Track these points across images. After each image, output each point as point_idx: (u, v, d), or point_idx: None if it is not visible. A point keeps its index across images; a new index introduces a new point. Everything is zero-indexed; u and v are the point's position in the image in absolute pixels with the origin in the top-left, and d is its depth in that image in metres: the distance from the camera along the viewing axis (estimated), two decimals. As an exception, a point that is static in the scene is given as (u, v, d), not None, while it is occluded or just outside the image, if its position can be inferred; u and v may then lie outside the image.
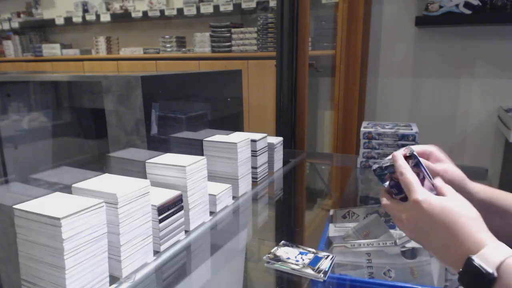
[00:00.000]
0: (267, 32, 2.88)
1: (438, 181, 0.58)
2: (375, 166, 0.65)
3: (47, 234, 0.56)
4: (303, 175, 1.50)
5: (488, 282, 0.44)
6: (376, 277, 0.68)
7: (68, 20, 3.98)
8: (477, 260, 0.46)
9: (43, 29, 4.45)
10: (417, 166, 0.59)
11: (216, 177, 1.07)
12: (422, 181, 0.58)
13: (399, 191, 0.61)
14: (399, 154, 0.61)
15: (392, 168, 0.62)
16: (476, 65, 2.26)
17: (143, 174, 0.90)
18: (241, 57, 2.95)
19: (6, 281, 0.73)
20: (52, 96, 1.20)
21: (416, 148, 0.64)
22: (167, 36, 3.45)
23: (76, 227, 0.57)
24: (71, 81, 1.19)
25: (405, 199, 0.59)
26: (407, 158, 0.61)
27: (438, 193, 0.56)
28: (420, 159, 0.60)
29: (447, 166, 0.63)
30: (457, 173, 0.62)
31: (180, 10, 3.35)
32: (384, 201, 0.62)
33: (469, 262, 0.46)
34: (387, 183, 0.64)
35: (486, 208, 0.60)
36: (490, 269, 0.44)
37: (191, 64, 3.20)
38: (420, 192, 0.54)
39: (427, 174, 0.59)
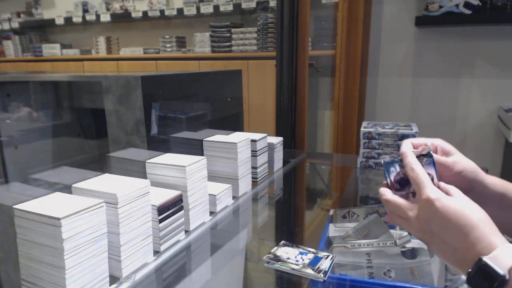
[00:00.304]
0: (267, 32, 2.88)
1: (443, 184, 0.56)
2: (387, 158, 0.63)
3: (47, 234, 0.56)
4: (303, 175, 1.50)
5: (499, 284, 0.43)
6: (376, 277, 0.68)
7: (68, 20, 3.98)
8: (488, 261, 0.44)
9: (43, 29, 4.45)
10: (428, 166, 0.58)
11: (216, 177, 1.07)
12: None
13: (401, 187, 0.60)
14: (409, 150, 0.59)
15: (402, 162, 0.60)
16: (476, 65, 2.26)
17: (143, 174, 0.90)
18: (241, 57, 2.96)
19: (6, 281, 0.73)
20: (52, 96, 1.20)
21: (421, 141, 0.63)
22: (167, 36, 3.45)
23: (76, 227, 0.57)
24: (71, 81, 1.19)
25: (405, 196, 0.58)
26: (420, 156, 0.59)
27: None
28: (434, 155, 0.59)
29: (457, 158, 0.61)
30: (468, 164, 0.60)
31: (180, 10, 3.35)
32: (387, 195, 0.59)
33: (479, 264, 0.45)
34: (392, 177, 0.62)
35: (499, 200, 0.59)
36: (502, 271, 0.43)
37: (191, 64, 3.20)
38: (433, 190, 0.53)
39: (436, 176, 0.58)
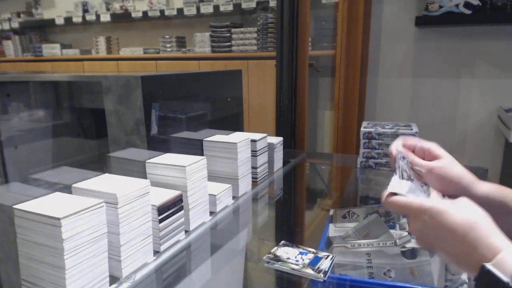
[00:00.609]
0: (267, 32, 2.88)
1: (434, 195, 0.56)
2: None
3: (47, 234, 0.56)
4: (303, 175, 1.50)
5: None
6: (376, 277, 0.68)
7: (68, 20, 3.98)
8: (491, 268, 0.43)
9: (43, 29, 4.45)
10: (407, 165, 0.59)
11: (216, 177, 1.07)
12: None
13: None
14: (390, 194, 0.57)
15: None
16: (476, 65, 2.26)
17: (143, 174, 0.90)
18: (241, 57, 2.95)
19: (6, 281, 0.73)
20: (52, 96, 1.20)
21: (413, 142, 0.64)
22: (167, 36, 3.45)
23: (76, 227, 0.57)
24: (71, 81, 1.19)
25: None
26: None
27: None
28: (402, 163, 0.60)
29: (444, 163, 0.61)
30: (454, 171, 0.59)
31: (180, 10, 3.35)
32: (390, 198, 0.56)
33: (483, 270, 0.43)
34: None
35: (496, 209, 0.57)
36: (506, 278, 0.41)
37: (191, 64, 3.20)
38: (419, 205, 0.51)
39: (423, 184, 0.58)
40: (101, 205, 0.61)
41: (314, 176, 1.54)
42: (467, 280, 0.67)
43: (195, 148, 1.07)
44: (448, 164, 0.61)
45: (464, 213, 0.49)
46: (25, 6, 4.47)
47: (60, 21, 4.01)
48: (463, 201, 0.52)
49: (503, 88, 2.21)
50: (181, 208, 0.81)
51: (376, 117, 2.53)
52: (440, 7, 2.11)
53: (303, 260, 0.72)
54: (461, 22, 2.15)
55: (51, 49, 4.14)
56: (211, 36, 3.14)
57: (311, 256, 0.73)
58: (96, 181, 0.72)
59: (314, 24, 2.65)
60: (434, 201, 0.53)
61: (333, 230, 0.82)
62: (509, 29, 2.14)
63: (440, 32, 2.30)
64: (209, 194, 0.93)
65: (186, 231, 0.85)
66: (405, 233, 0.73)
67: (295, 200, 1.26)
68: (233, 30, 3.05)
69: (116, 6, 3.79)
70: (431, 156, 0.63)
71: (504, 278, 0.42)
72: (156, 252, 0.76)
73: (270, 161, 1.27)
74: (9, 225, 0.62)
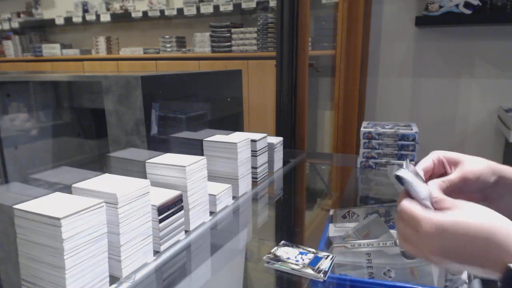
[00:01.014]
0: (267, 32, 2.88)
1: (435, 192, 0.50)
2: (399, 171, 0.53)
3: (47, 234, 0.56)
4: (303, 175, 1.50)
5: None
6: (376, 277, 0.68)
7: (68, 20, 3.98)
8: None
9: (43, 29, 4.45)
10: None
11: (216, 177, 1.07)
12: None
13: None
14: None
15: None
16: (476, 65, 2.26)
17: (143, 174, 0.90)
18: (241, 57, 2.96)
19: (6, 281, 0.73)
20: (52, 96, 1.20)
21: (428, 163, 0.57)
22: (167, 36, 3.45)
23: (76, 227, 0.57)
24: (71, 81, 1.19)
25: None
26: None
27: (441, 207, 0.49)
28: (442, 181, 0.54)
29: (466, 167, 0.55)
30: (479, 167, 0.55)
31: (180, 10, 3.35)
32: (404, 202, 0.51)
33: (508, 271, 0.41)
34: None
35: None
36: None
37: (191, 64, 3.20)
38: (427, 220, 0.47)
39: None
40: (101, 205, 0.61)
41: (314, 176, 1.54)
42: (467, 280, 0.67)
43: (195, 148, 1.07)
44: (472, 163, 0.56)
45: (475, 218, 0.46)
46: (25, 6, 4.47)
47: (60, 21, 4.02)
48: (465, 204, 0.48)
49: (503, 88, 2.21)
50: (181, 208, 0.81)
51: (376, 117, 2.53)
52: (440, 7, 2.11)
53: (303, 260, 0.72)
54: (461, 22, 2.15)
55: (51, 49, 4.14)
56: (211, 36, 3.14)
57: (311, 256, 0.73)
58: (96, 181, 0.72)
59: (314, 24, 2.65)
60: (441, 215, 0.48)
61: (333, 230, 0.82)
62: (509, 29, 2.14)
63: (440, 32, 2.30)
64: (209, 194, 0.93)
65: (186, 231, 0.85)
66: (405, 233, 0.73)
67: (295, 200, 1.26)
68: (233, 30, 3.05)
69: (116, 6, 3.79)
70: (451, 163, 0.58)
71: None
72: (156, 252, 0.76)
73: (270, 161, 1.27)
74: (9, 225, 0.62)
